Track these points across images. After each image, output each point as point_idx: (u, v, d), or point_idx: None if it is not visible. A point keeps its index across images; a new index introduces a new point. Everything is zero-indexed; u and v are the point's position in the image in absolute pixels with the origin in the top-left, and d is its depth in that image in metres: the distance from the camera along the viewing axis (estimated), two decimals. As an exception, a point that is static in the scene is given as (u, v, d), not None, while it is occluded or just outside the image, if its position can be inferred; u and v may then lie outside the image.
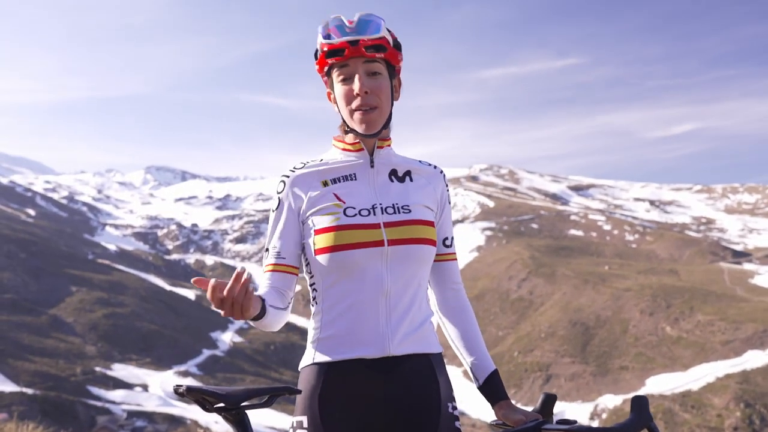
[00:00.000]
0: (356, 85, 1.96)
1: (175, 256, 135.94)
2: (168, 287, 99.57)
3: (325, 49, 1.98)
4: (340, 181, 2.03)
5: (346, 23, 1.98)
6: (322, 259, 1.95)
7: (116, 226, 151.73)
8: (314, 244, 1.96)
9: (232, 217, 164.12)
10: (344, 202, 1.98)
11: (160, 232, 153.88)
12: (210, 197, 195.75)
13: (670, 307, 71.53)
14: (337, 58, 1.98)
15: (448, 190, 2.15)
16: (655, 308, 72.27)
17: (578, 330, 74.91)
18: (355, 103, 1.98)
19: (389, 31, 2.03)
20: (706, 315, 68.12)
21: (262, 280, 2.03)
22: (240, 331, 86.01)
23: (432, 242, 2.02)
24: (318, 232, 1.96)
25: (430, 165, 2.16)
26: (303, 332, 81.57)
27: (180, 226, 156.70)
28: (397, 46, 2.06)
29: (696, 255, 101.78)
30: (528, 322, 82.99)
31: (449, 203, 2.16)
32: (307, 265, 2.03)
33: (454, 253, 2.18)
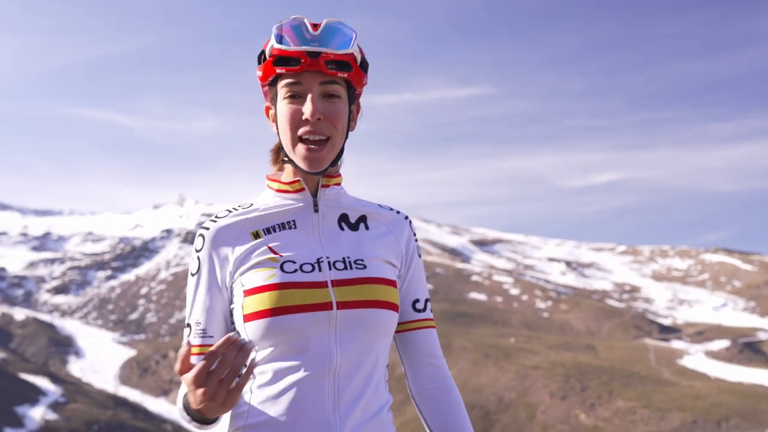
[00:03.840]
0: (307, 108, 1.85)
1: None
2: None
3: (273, 53, 1.87)
4: (275, 231, 1.94)
5: (309, 27, 1.87)
6: (253, 326, 1.82)
7: None
8: (243, 308, 1.85)
9: (52, 261, 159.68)
10: (281, 255, 1.88)
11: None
12: (24, 234, 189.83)
13: (585, 390, 73.24)
14: (288, 68, 1.86)
15: (416, 240, 2.06)
16: (568, 391, 73.78)
17: (476, 415, 75.68)
18: (303, 130, 1.87)
19: (359, 47, 1.93)
20: (627, 401, 70.06)
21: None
22: (54, 406, 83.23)
23: (393, 306, 1.92)
24: (249, 292, 1.84)
25: (391, 210, 2.08)
26: (135, 409, 79.59)
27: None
28: (364, 66, 1.97)
29: (617, 328, 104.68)
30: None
31: (419, 256, 2.07)
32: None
33: (431, 319, 2.08)
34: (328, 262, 1.88)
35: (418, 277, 2.05)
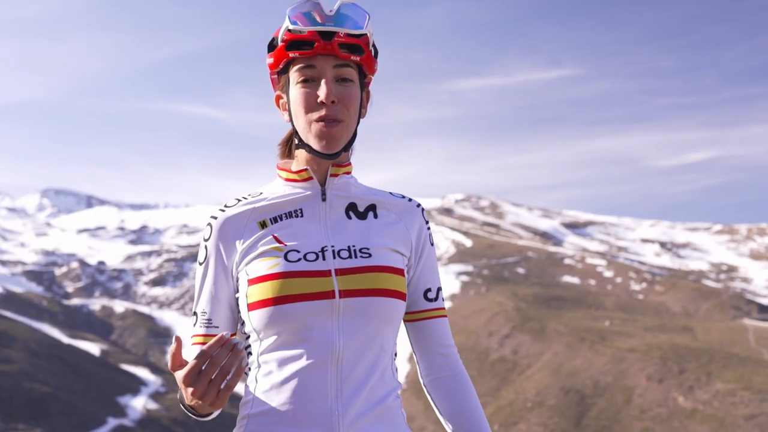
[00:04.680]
0: (322, 91, 1.84)
1: (75, 301, 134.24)
2: (66, 340, 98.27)
3: (286, 38, 1.87)
4: (282, 219, 1.94)
5: (323, 9, 1.85)
6: (257, 315, 1.83)
7: (3, 263, 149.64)
8: (248, 297, 1.85)
9: (149, 254, 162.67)
10: (286, 245, 1.88)
11: (57, 271, 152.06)
12: (121, 228, 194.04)
13: (683, 372, 72.12)
14: (302, 51, 1.86)
15: (428, 229, 2.05)
16: (666, 374, 72.77)
17: (572, 399, 75.19)
18: (318, 113, 1.86)
19: (371, 33, 1.93)
20: (726, 383, 68.79)
21: (188, 354, 1.88)
22: (155, 396, 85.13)
23: (399, 295, 1.91)
24: (253, 281, 1.85)
25: (403, 197, 2.07)
26: (236, 399, 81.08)
27: (83, 263, 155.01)
28: (375, 52, 1.97)
29: (715, 309, 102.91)
30: (511, 388, 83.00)
31: (431, 244, 2.06)
32: (241, 325, 1.95)
33: (442, 308, 2.08)
34: (333, 251, 1.87)
35: (430, 266, 2.07)
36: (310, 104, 1.86)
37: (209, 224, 1.96)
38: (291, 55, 1.88)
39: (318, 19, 1.85)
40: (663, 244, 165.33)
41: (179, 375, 1.62)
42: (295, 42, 1.86)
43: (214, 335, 1.90)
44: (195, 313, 1.99)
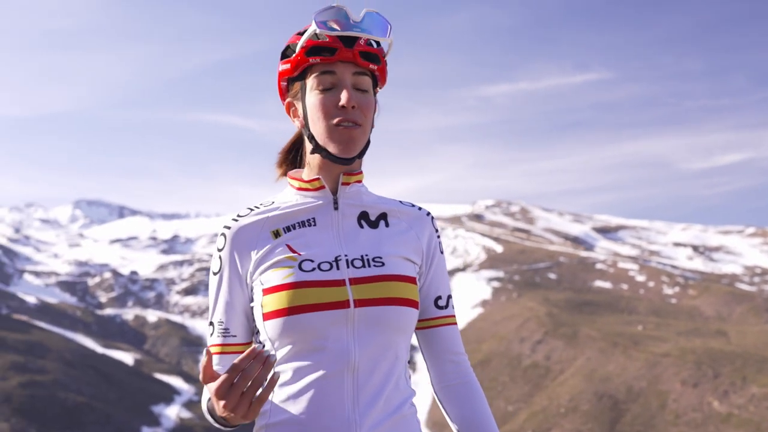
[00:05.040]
0: (344, 95, 1.85)
1: (109, 311, 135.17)
2: (100, 349, 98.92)
3: (306, 44, 1.88)
4: (295, 229, 1.95)
5: (350, 12, 1.86)
6: (272, 325, 1.84)
7: (37, 274, 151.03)
8: (263, 306, 1.86)
9: (181, 263, 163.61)
10: (300, 254, 1.89)
11: (90, 281, 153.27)
12: (153, 238, 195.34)
13: (718, 377, 71.63)
14: (322, 57, 1.87)
15: (438, 237, 2.06)
16: (700, 378, 72.30)
17: (605, 404, 74.83)
18: (338, 117, 1.87)
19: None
20: (762, 387, 68.24)
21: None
22: (188, 405, 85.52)
23: (412, 303, 1.91)
24: (267, 291, 1.86)
25: (413, 206, 2.08)
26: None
27: (116, 273, 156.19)
28: (385, 64, 1.99)
29: (749, 313, 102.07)
30: (544, 394, 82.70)
31: (441, 252, 2.07)
32: (256, 334, 1.97)
33: (452, 316, 2.09)
34: (347, 260, 1.89)
35: (441, 274, 2.07)
36: (330, 109, 1.87)
37: (222, 234, 1.96)
38: (311, 60, 1.88)
39: (343, 26, 1.85)
40: (695, 248, 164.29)
41: (211, 387, 1.62)
42: (316, 48, 1.86)
43: (231, 344, 1.92)
44: (211, 323, 2.00)
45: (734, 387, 69.41)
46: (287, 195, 2.03)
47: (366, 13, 1.88)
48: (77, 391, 78.96)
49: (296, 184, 2.02)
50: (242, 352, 1.77)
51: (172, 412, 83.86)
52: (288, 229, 1.94)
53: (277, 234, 1.93)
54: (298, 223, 1.95)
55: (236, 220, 1.98)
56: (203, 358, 1.63)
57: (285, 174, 2.11)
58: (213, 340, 1.96)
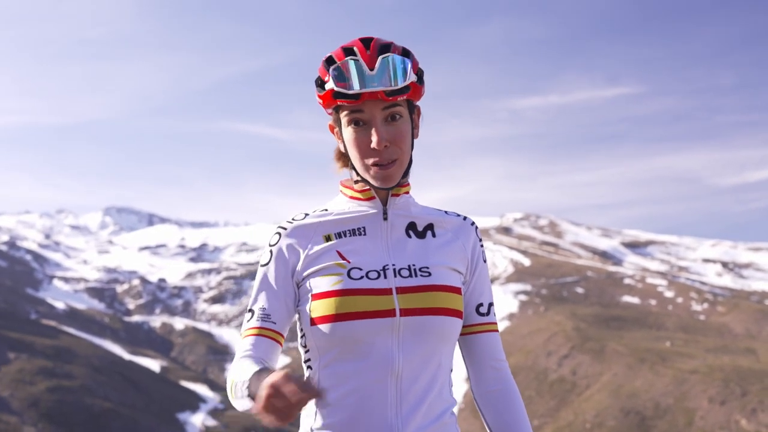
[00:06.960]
0: (374, 138, 1.88)
1: (136, 318, 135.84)
2: (127, 356, 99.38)
3: (334, 88, 1.90)
4: (346, 236, 1.99)
5: (365, 66, 1.87)
6: (319, 330, 1.87)
7: (66, 280, 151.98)
8: (311, 311, 1.90)
9: (209, 271, 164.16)
10: (349, 262, 1.93)
11: (119, 288, 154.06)
12: (182, 246, 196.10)
13: (746, 394, 70.99)
14: (349, 101, 1.89)
15: (482, 245, 2.09)
16: (728, 396, 71.68)
17: (632, 420, 74.32)
18: (372, 159, 1.91)
19: (413, 60, 1.94)
20: (790, 406, 67.56)
21: (239, 346, 1.94)
22: (214, 413, 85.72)
23: (457, 313, 1.95)
24: (316, 297, 1.89)
25: (458, 216, 2.11)
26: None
27: (144, 280, 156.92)
28: (421, 78, 1.99)
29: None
30: (570, 408, 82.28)
31: (484, 261, 2.10)
32: (302, 337, 1.99)
33: (494, 323, 2.13)
34: (394, 270, 1.92)
35: (483, 282, 2.11)
36: (363, 149, 1.91)
37: (278, 232, 2.01)
38: (339, 102, 1.91)
39: (364, 74, 1.86)
40: (725, 264, 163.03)
41: (257, 405, 1.59)
42: (340, 93, 1.89)
43: (270, 329, 1.94)
44: (251, 311, 2.01)
45: (762, 405, 68.77)
46: (339, 203, 2.08)
47: (381, 61, 1.87)
48: (104, 397, 79.25)
49: (348, 192, 2.06)
50: (277, 339, 1.92)
51: (198, 419, 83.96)
52: (339, 236, 1.98)
53: (328, 238, 1.97)
54: (349, 230, 1.99)
55: (291, 222, 2.03)
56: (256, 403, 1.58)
57: (345, 165, 2.13)
58: (251, 323, 1.96)
